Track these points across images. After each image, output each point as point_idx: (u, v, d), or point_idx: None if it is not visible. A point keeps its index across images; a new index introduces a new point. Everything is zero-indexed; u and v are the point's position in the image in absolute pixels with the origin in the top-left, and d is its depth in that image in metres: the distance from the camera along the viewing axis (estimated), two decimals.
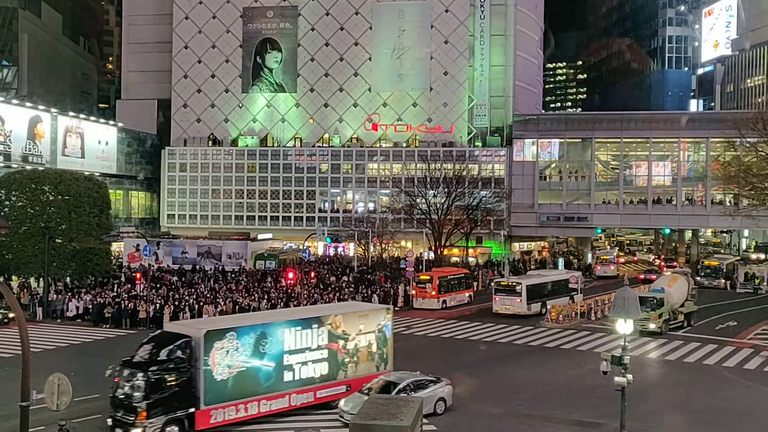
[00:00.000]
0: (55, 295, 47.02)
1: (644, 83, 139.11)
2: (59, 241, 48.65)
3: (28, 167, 61.16)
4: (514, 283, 47.96)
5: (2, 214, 48.13)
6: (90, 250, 50.18)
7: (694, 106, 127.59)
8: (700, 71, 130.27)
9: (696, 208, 75.69)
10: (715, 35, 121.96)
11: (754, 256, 74.41)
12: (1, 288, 18.02)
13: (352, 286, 53.03)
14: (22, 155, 67.64)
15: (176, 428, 22.12)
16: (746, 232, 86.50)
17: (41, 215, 48.44)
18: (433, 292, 49.31)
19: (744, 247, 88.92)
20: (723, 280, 63.04)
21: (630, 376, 21.75)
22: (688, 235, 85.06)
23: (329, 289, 51.75)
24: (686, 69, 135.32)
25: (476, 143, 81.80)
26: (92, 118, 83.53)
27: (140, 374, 21.72)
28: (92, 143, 77.99)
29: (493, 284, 50.49)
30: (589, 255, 78.94)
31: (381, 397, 21.50)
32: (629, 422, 22.23)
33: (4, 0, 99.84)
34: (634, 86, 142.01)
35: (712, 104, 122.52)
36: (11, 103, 70.26)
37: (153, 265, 56.85)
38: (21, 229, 48.29)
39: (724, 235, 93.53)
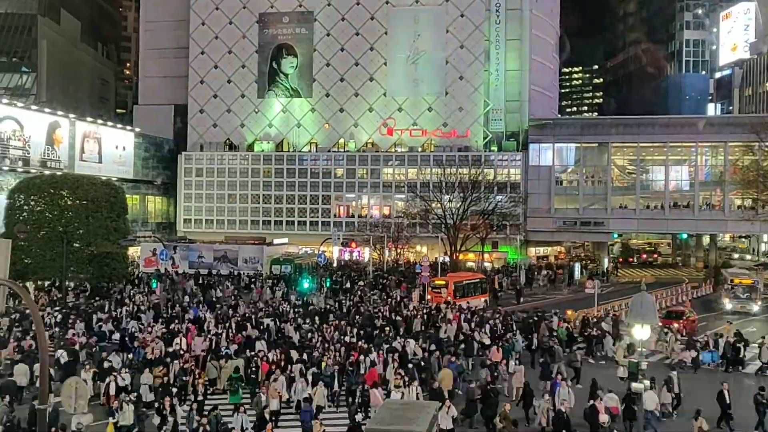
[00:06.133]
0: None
1: (661, 87, 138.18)
2: (77, 245, 48.94)
3: (47, 172, 61.73)
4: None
5: (21, 218, 48.47)
6: (107, 255, 50.46)
7: (712, 110, 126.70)
8: (718, 75, 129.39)
9: (714, 212, 74.67)
10: (733, 39, 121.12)
11: None
12: (18, 290, 18.20)
13: (367, 291, 52.94)
14: (40, 160, 68.38)
15: None
16: (765, 237, 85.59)
17: (59, 220, 48.74)
18: (449, 297, 49.08)
19: (763, 250, 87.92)
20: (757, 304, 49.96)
21: (647, 382, 21.58)
22: (706, 240, 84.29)
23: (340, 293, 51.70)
24: (704, 72, 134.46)
25: (492, 148, 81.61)
26: (110, 123, 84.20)
27: None
28: (110, 148, 78.65)
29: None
30: (606, 260, 78.38)
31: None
32: None
33: (23, 6, 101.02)
34: (651, 90, 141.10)
35: (731, 108, 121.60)
36: (30, 108, 70.98)
37: (170, 270, 57.08)
38: (39, 233, 48.58)
39: (743, 240, 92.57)
